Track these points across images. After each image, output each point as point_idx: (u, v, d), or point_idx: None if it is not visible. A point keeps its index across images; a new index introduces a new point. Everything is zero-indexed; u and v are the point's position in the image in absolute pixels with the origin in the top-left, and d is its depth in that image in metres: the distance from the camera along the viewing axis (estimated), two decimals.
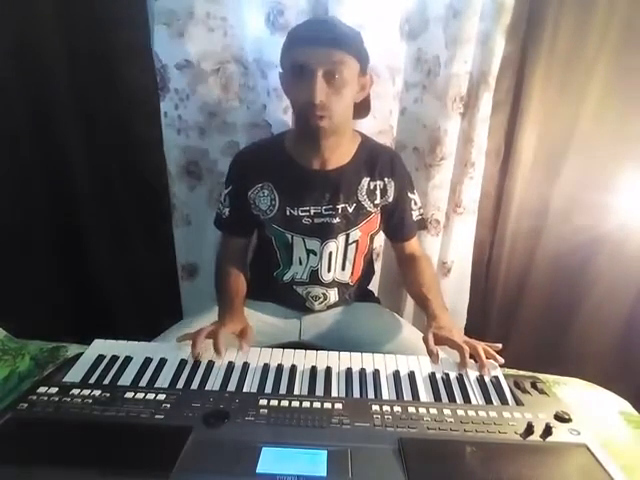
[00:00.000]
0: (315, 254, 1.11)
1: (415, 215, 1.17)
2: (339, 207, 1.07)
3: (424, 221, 1.22)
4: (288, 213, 1.07)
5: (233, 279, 1.11)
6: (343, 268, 1.15)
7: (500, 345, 0.93)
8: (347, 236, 1.10)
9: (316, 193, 1.06)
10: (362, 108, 1.09)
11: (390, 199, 1.11)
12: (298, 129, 1.06)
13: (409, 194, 1.15)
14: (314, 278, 1.13)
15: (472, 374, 0.87)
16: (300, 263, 1.12)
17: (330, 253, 1.11)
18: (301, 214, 1.07)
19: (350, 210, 1.08)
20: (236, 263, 1.15)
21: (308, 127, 0.97)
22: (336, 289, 1.17)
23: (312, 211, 1.07)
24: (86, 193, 1.37)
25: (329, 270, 1.13)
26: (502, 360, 0.89)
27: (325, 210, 1.07)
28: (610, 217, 1.40)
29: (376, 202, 1.10)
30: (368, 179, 1.09)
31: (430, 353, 0.90)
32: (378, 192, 1.10)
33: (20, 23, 1.17)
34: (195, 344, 0.89)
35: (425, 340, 0.92)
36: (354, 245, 1.12)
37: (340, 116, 0.97)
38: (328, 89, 0.92)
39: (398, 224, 1.15)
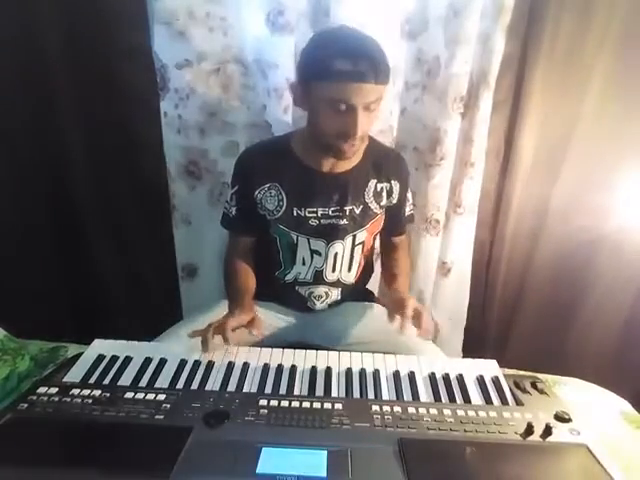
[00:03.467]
0: (319, 255, 1.11)
1: (407, 211, 1.19)
2: (346, 209, 1.07)
3: (413, 215, 1.23)
4: (295, 214, 1.07)
5: (242, 277, 1.11)
6: (349, 270, 1.15)
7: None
8: (354, 237, 1.10)
9: (324, 195, 1.06)
10: None
11: (395, 200, 1.12)
12: (316, 144, 1.01)
13: (408, 194, 1.16)
14: (318, 278, 1.14)
15: (472, 374, 0.87)
16: (303, 263, 1.12)
17: (336, 254, 1.11)
18: (308, 215, 1.07)
19: (357, 212, 1.08)
20: (245, 261, 1.15)
21: (332, 147, 0.95)
22: (340, 289, 1.17)
23: (320, 212, 1.07)
24: (86, 193, 1.37)
25: (333, 270, 1.13)
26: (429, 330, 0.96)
27: (332, 212, 1.07)
28: (610, 217, 1.40)
29: (382, 203, 1.11)
30: (375, 181, 1.09)
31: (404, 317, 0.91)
32: (384, 194, 1.10)
33: (20, 23, 1.17)
34: (206, 340, 0.88)
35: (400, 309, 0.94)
36: (360, 246, 1.13)
37: (367, 135, 0.98)
38: (365, 118, 0.90)
39: (394, 221, 1.17)
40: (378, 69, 0.86)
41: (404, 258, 1.25)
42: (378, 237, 1.22)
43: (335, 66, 0.84)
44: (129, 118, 1.28)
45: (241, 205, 1.12)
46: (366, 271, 1.24)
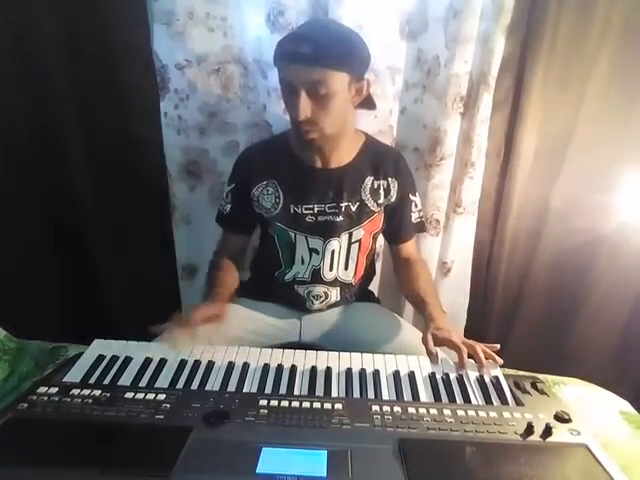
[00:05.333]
0: (317, 253, 1.11)
1: (415, 217, 1.16)
2: (342, 205, 1.07)
3: (423, 224, 1.21)
4: (292, 211, 1.07)
5: (223, 273, 1.10)
6: (346, 268, 1.15)
7: (498, 345, 0.92)
8: (350, 235, 1.10)
9: (320, 191, 1.07)
10: (366, 104, 1.08)
11: (393, 199, 1.12)
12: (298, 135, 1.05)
13: (411, 196, 1.15)
14: (316, 277, 1.14)
15: (472, 374, 0.87)
16: (302, 262, 1.12)
17: (332, 251, 1.11)
18: (305, 212, 1.07)
19: (353, 209, 1.08)
20: (231, 259, 1.14)
21: (300, 135, 0.97)
22: (338, 288, 1.17)
23: (316, 209, 1.07)
24: (86, 193, 1.37)
25: (331, 269, 1.13)
26: (501, 361, 0.89)
27: (329, 208, 1.07)
28: (610, 217, 1.40)
29: (379, 202, 1.10)
30: (372, 178, 1.09)
31: (429, 354, 0.90)
32: (382, 192, 1.10)
33: (20, 23, 1.17)
34: (170, 333, 0.90)
35: (424, 341, 0.92)
36: (357, 244, 1.12)
37: (331, 127, 0.97)
38: (314, 105, 0.91)
39: (397, 225, 1.16)
40: (318, 52, 0.87)
41: (424, 274, 1.13)
42: (383, 241, 1.21)
43: (281, 49, 0.92)
44: (129, 118, 1.28)
45: (236, 203, 1.12)
46: (368, 273, 1.24)
